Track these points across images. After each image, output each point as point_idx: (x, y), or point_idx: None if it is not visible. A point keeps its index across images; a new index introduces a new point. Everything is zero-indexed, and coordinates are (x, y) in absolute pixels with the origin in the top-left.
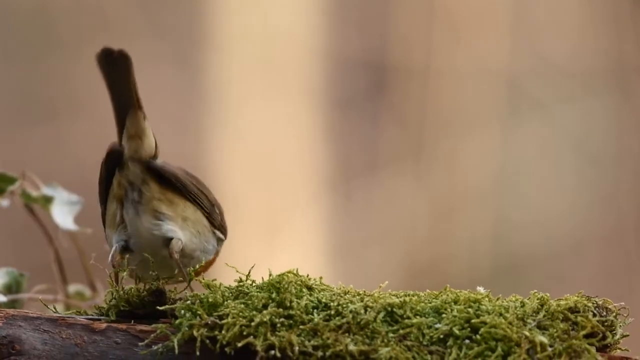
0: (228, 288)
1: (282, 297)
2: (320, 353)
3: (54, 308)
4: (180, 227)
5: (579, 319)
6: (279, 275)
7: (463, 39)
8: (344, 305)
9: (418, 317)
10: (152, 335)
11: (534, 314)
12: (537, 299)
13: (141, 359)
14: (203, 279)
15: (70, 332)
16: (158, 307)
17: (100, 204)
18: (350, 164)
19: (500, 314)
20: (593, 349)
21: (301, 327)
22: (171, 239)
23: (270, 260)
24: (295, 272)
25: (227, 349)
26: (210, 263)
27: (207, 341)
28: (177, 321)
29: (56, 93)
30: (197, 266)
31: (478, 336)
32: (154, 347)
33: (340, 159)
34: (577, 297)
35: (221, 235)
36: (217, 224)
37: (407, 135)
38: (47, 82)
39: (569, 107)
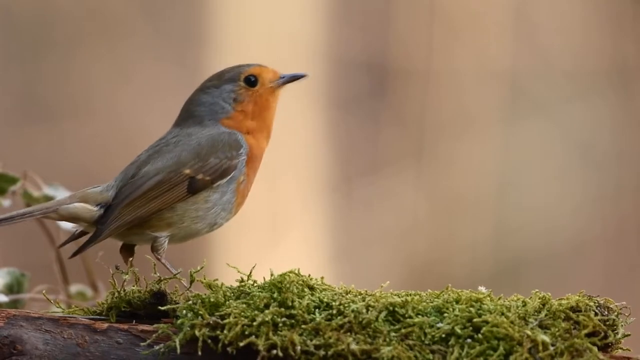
0: (230, 288)
1: (283, 296)
2: (322, 352)
3: (59, 305)
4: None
5: (581, 318)
6: (281, 275)
7: (464, 40)
8: (346, 305)
9: (420, 316)
10: (154, 335)
11: (536, 313)
12: (539, 299)
13: (143, 359)
14: (205, 279)
15: (72, 332)
16: (160, 307)
17: None
18: (352, 165)
19: (502, 313)
20: (595, 348)
21: (303, 326)
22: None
23: (272, 260)
24: (296, 272)
25: (229, 349)
26: (242, 195)
27: (209, 341)
28: (179, 321)
29: (57, 93)
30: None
31: (480, 335)
32: (156, 347)
33: (342, 160)
34: (579, 296)
35: (219, 181)
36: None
37: (408, 136)
38: (49, 82)
39: (570, 108)
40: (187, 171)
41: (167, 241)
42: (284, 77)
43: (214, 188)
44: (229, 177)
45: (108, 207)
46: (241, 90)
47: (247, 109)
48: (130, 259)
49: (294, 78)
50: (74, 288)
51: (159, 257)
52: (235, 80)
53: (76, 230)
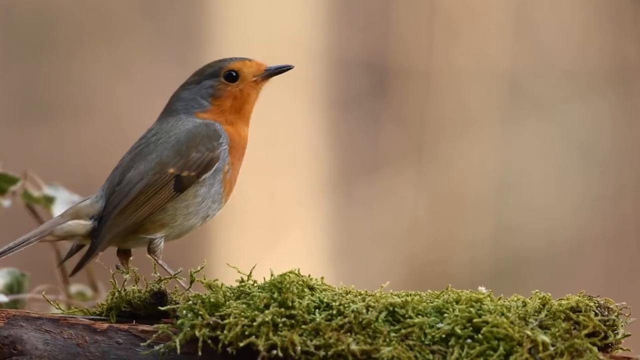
0: (230, 288)
1: (283, 297)
2: (322, 353)
3: (59, 305)
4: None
5: (581, 318)
6: (281, 276)
7: (464, 40)
8: (346, 305)
9: (420, 316)
10: (154, 335)
11: (536, 314)
12: (539, 299)
13: (143, 359)
14: (205, 279)
15: (72, 332)
16: (160, 308)
17: None
18: (352, 164)
19: (502, 314)
20: (595, 348)
21: (303, 326)
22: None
23: (272, 260)
24: (296, 272)
25: (229, 349)
26: (229, 184)
27: (209, 341)
28: (179, 321)
29: (58, 93)
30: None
31: (480, 335)
32: (156, 348)
33: (342, 159)
34: (579, 296)
35: (205, 174)
36: (185, 183)
37: (409, 136)
38: (49, 82)
39: (570, 108)
40: (171, 170)
41: (162, 242)
42: (269, 70)
43: (201, 182)
44: (214, 168)
45: (100, 219)
46: (220, 86)
47: (224, 105)
48: (130, 258)
49: (279, 70)
50: (74, 288)
51: (157, 258)
52: (216, 76)
53: (73, 245)
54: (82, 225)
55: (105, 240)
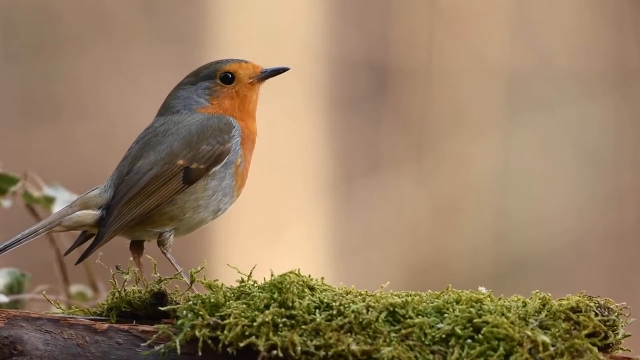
0: (230, 288)
1: (284, 297)
2: (322, 353)
3: (59, 305)
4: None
5: (581, 318)
6: (281, 276)
7: (464, 40)
8: (346, 305)
9: (420, 316)
10: (154, 335)
11: (536, 314)
12: (539, 299)
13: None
14: (205, 279)
15: (72, 333)
16: (160, 308)
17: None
18: (352, 165)
19: (502, 314)
20: (595, 349)
21: (303, 327)
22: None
23: (272, 260)
24: (297, 272)
25: (229, 349)
26: (241, 177)
27: (209, 341)
28: (179, 322)
29: (59, 94)
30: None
31: (480, 336)
32: (156, 348)
33: (342, 160)
34: (579, 296)
35: (214, 167)
36: (194, 175)
37: (409, 136)
38: (50, 82)
39: (569, 107)
40: (181, 162)
41: (172, 235)
42: (265, 72)
43: (211, 175)
44: (224, 162)
45: (108, 208)
46: (216, 87)
47: (222, 104)
48: (140, 257)
49: (275, 72)
50: (74, 288)
51: (165, 251)
52: (211, 78)
53: (79, 237)
54: (91, 215)
55: (112, 229)
